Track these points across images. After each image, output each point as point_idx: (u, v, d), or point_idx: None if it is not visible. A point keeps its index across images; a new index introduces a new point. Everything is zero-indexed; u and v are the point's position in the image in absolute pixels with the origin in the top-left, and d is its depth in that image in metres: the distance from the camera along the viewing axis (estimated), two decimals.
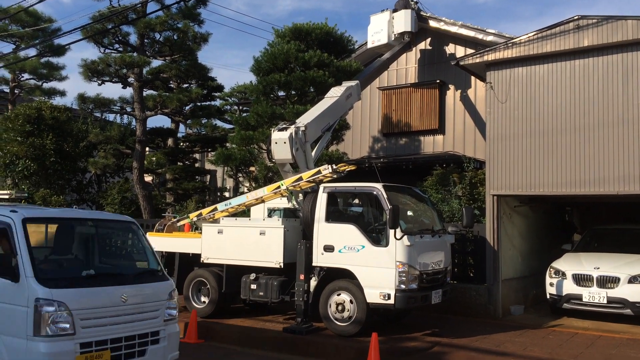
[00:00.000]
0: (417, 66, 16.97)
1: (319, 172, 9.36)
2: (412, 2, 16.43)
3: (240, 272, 9.87)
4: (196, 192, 17.10)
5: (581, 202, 13.68)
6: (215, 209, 10.50)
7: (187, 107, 15.57)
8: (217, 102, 19.97)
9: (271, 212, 10.03)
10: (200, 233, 10.37)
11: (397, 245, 8.40)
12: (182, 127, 19.05)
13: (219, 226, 10.15)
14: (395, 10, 16.17)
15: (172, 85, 17.53)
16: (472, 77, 15.58)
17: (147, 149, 17.82)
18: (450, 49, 16.43)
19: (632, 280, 9.87)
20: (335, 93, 11.56)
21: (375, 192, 8.88)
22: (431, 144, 16.28)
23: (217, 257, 10.05)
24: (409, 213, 9.74)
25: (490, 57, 10.75)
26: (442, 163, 14.19)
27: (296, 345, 8.76)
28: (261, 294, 9.53)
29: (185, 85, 16.82)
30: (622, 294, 9.83)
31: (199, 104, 16.69)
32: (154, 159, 18.65)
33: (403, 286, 8.38)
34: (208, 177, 19.69)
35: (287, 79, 12.84)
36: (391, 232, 8.37)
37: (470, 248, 11.27)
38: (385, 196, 8.70)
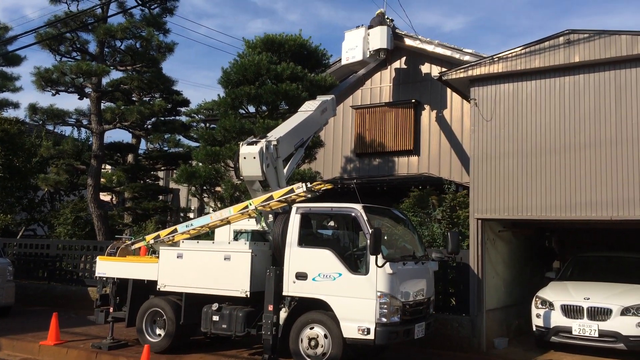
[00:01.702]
0: (392, 85, 16.48)
1: (291, 190, 8.46)
2: (388, 20, 15.98)
3: (201, 301, 8.82)
4: (157, 213, 15.94)
5: (562, 228, 13.09)
6: (175, 230, 9.46)
7: (149, 121, 14.49)
8: (183, 118, 18.98)
9: (237, 235, 9.05)
10: (158, 257, 9.30)
11: (378, 273, 7.53)
12: (144, 144, 17.93)
13: (179, 250, 9.11)
14: (370, 27, 15.72)
15: (134, 98, 16.45)
16: (448, 97, 15.20)
17: (104, 165, 16.64)
18: (425, 68, 16.01)
19: (625, 312, 9.20)
20: (309, 107, 10.76)
21: (354, 214, 8.03)
22: (406, 165, 15.71)
23: (175, 284, 8.98)
24: (390, 237, 8.90)
25: (475, 72, 10.12)
26: (418, 185, 13.58)
27: None
28: (224, 326, 8.49)
29: (148, 98, 15.77)
30: (615, 327, 9.13)
31: (162, 118, 15.65)
32: (114, 176, 17.44)
33: (384, 319, 7.48)
34: (170, 196, 18.54)
35: (257, 91, 11.99)
36: (372, 258, 7.51)
37: (452, 275, 10.47)
38: (365, 218, 7.85)
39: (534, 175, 9.67)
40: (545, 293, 10.20)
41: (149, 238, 9.68)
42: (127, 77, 14.43)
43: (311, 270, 8.00)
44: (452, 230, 9.45)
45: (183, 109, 18.28)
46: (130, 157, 17.05)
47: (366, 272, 7.65)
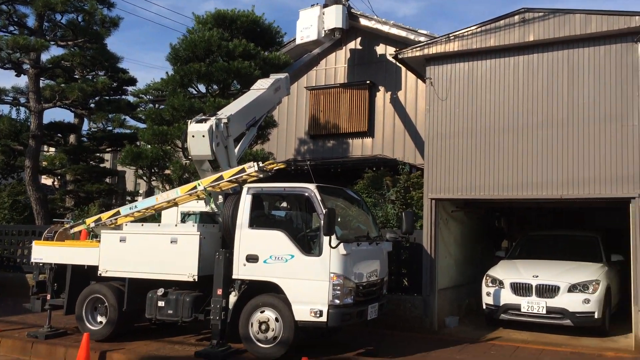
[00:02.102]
0: (346, 66, 16.22)
1: (242, 170, 8.11)
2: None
3: (145, 286, 8.40)
4: (101, 196, 15.23)
5: (511, 208, 13.23)
6: (118, 213, 8.97)
7: (92, 100, 13.71)
8: (131, 98, 18.16)
9: (185, 217, 8.65)
10: (99, 241, 8.80)
11: (332, 255, 7.31)
12: (87, 124, 17.04)
13: (122, 233, 8.64)
14: (325, 6, 15.34)
15: (76, 76, 15.59)
16: (403, 79, 15.10)
17: (45, 146, 15.77)
18: (381, 49, 15.81)
19: (572, 289, 9.33)
20: (262, 85, 10.39)
21: (307, 194, 7.76)
22: (360, 147, 15.55)
23: (118, 269, 8.52)
24: (344, 218, 8.69)
25: (431, 50, 9.97)
26: (372, 166, 13.45)
27: None
28: (170, 312, 8.11)
29: (91, 76, 14.94)
30: (562, 304, 9.26)
31: (107, 97, 14.88)
32: (56, 159, 16.54)
33: (337, 301, 7.29)
34: (116, 179, 17.79)
35: (208, 69, 11.49)
36: (325, 239, 7.28)
37: (406, 256, 10.39)
38: (319, 198, 7.59)
39: (487, 155, 9.64)
40: (495, 272, 10.26)
41: (90, 221, 9.15)
42: (69, 53, 13.57)
43: (262, 253, 7.71)
44: (407, 210, 9.33)
45: (130, 89, 17.52)
46: (72, 138, 16.20)
47: (319, 254, 7.42)
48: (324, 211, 7.26)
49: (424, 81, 10.54)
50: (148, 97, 21.07)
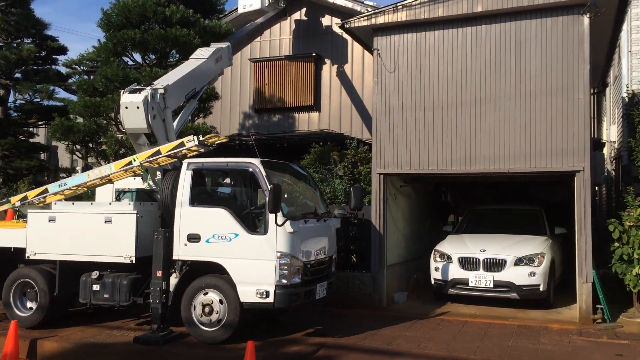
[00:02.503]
0: (291, 38, 15.72)
1: (181, 144, 7.61)
2: None
3: (79, 269, 7.85)
4: (32, 173, 14.25)
5: (458, 182, 13.27)
6: (46, 190, 8.30)
7: (18, 70, 12.64)
8: (63, 70, 16.99)
9: (120, 195, 8.11)
10: (26, 222, 8.13)
11: (278, 233, 6.99)
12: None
13: (51, 212, 8.00)
14: None
15: (1, 44, 14.38)
16: (349, 52, 14.77)
17: None
18: (326, 20, 15.39)
19: (518, 262, 9.41)
20: (202, 54, 9.79)
21: (251, 169, 7.36)
22: (306, 122, 15.19)
23: (47, 251, 7.91)
24: (291, 194, 8.36)
25: (379, 20, 9.65)
26: (319, 141, 13.17)
27: (151, 358, 7.02)
28: (106, 296, 7.61)
29: (17, 44, 13.80)
30: (509, 277, 9.33)
31: (34, 67, 13.80)
32: None
33: (284, 281, 6.99)
34: (48, 154, 16.73)
35: (143, 36, 10.77)
36: (271, 217, 6.92)
37: (354, 232, 10.20)
38: (264, 174, 7.21)
39: (436, 129, 9.50)
40: (443, 246, 10.23)
41: (15, 200, 8.45)
42: None
43: (205, 232, 7.30)
44: (355, 186, 9.10)
45: (61, 58, 16.37)
46: None
47: (265, 232, 7.07)
48: (269, 187, 6.89)
49: (371, 53, 10.22)
50: (82, 68, 19.85)
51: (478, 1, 9.08)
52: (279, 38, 15.88)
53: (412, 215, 11.69)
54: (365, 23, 9.73)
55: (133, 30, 10.79)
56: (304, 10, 15.54)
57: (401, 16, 9.49)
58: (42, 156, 16.96)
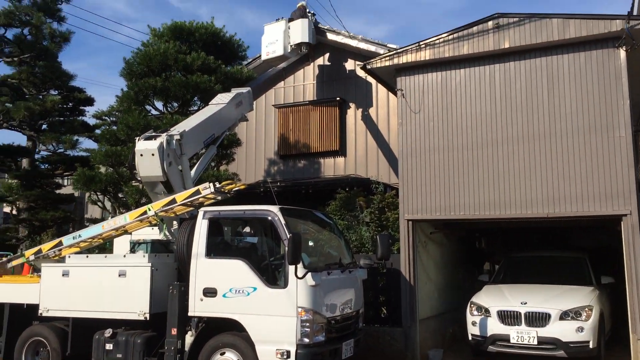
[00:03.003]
0: (315, 83, 15.65)
1: (197, 192, 7.27)
2: (310, 14, 15.10)
3: (92, 327, 7.45)
4: (57, 224, 14.14)
5: (493, 228, 12.59)
6: (60, 243, 8.02)
7: (43, 121, 12.69)
8: (93, 121, 17.11)
9: (135, 246, 7.74)
10: (40, 276, 7.83)
11: (299, 286, 6.49)
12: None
13: (64, 266, 7.69)
14: (291, 20, 14.75)
15: (28, 96, 14.54)
16: (374, 95, 14.56)
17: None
18: (350, 65, 15.29)
19: (564, 316, 8.60)
20: (222, 99, 9.61)
21: (270, 217, 6.94)
22: (332, 167, 14.88)
23: (60, 308, 7.56)
24: (313, 243, 7.89)
25: (401, 60, 9.33)
26: (345, 186, 12.75)
27: None
28: (119, 356, 7.16)
29: (43, 95, 13.92)
30: (554, 333, 8.49)
31: (61, 118, 13.87)
32: (13, 185, 15.33)
33: (307, 339, 6.44)
34: (74, 205, 16.68)
35: (164, 84, 10.67)
36: (291, 269, 6.45)
37: (382, 283, 9.60)
38: (282, 222, 6.78)
39: (466, 172, 8.98)
40: (480, 298, 9.50)
41: (29, 253, 8.18)
42: (17, 70, 12.58)
43: (221, 285, 6.85)
44: (382, 233, 8.58)
45: (90, 110, 16.53)
46: (25, 162, 15.11)
47: (285, 285, 6.58)
48: (288, 236, 6.45)
49: (394, 94, 9.88)
50: (111, 119, 20.05)
51: (505, 37, 8.70)
52: (303, 83, 15.82)
53: (445, 264, 11.03)
54: (387, 63, 9.43)
55: (154, 78, 10.71)
56: (327, 55, 15.51)
57: (424, 55, 9.15)
58: (69, 207, 16.90)
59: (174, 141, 7.72)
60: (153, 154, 7.45)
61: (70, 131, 12.86)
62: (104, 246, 9.12)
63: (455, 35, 8.99)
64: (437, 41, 9.10)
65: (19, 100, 12.63)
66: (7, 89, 12.87)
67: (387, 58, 9.47)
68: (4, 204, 17.11)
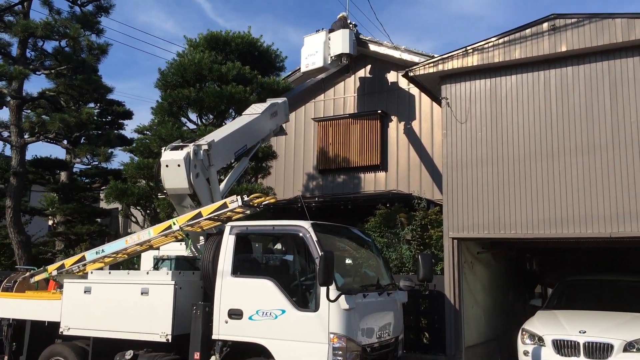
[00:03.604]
0: (356, 95, 15.18)
1: (224, 206, 6.79)
2: (351, 25, 14.67)
3: (113, 348, 7.01)
4: (91, 238, 13.99)
5: (547, 248, 11.66)
6: (83, 258, 7.67)
7: (79, 133, 12.59)
8: (134, 135, 17.08)
9: (158, 263, 7.30)
10: (62, 292, 7.49)
11: (331, 310, 5.88)
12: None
13: (86, 282, 7.31)
14: (331, 31, 14.34)
15: (65, 108, 14.54)
16: (417, 107, 13.97)
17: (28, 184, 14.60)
18: (392, 77, 14.76)
19: (629, 347, 7.67)
20: (255, 110, 9.18)
21: (301, 234, 6.38)
22: (372, 182, 14.31)
23: (81, 326, 7.17)
24: (348, 262, 7.28)
25: (447, 66, 8.70)
26: (386, 202, 12.13)
27: None
28: None
29: (79, 107, 13.87)
30: None
31: (98, 131, 13.80)
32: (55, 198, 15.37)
33: None
34: (109, 219, 16.58)
35: (198, 95, 10.34)
36: (322, 290, 5.86)
37: (425, 306, 8.89)
38: (314, 239, 6.21)
39: (517, 186, 8.23)
40: (533, 325, 8.63)
41: (52, 268, 7.86)
42: (57, 82, 12.55)
43: (248, 307, 6.31)
44: (424, 252, 7.90)
45: (132, 125, 16.46)
46: (63, 175, 15.11)
47: (316, 309, 5.99)
48: (320, 254, 5.86)
49: (438, 103, 9.25)
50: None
51: (562, 40, 7.96)
52: (343, 96, 15.40)
53: (493, 286, 10.20)
54: (431, 70, 8.81)
55: (188, 88, 10.40)
56: (368, 67, 15.07)
57: (472, 60, 8.49)
58: (106, 220, 16.81)
59: (202, 151, 7.28)
60: (179, 165, 7.03)
61: (106, 144, 12.75)
62: (132, 261, 8.76)
63: (506, 38, 8.31)
64: (486, 45, 8.44)
65: (56, 113, 12.58)
66: (46, 101, 12.88)
67: (432, 64, 8.86)
68: (48, 217, 17.16)
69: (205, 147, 7.32)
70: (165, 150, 7.30)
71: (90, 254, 7.64)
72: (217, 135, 7.92)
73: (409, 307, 8.42)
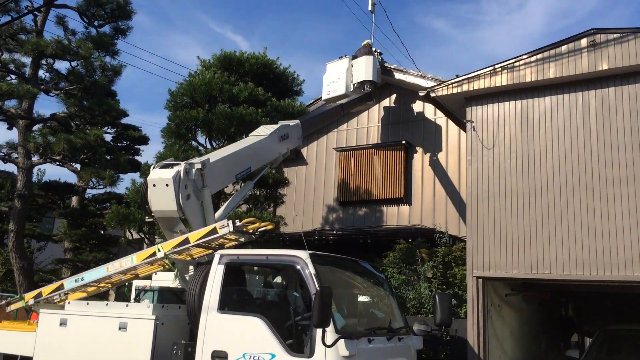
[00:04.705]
0: (380, 125, 14.54)
1: (213, 231, 6.03)
2: (376, 52, 14.10)
3: None
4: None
5: (583, 291, 10.52)
6: (62, 286, 6.96)
7: (85, 155, 12.10)
8: (153, 161, 16.67)
9: (140, 294, 6.53)
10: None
11: (328, 356, 4.98)
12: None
13: (62, 314, 6.57)
14: (354, 57, 13.77)
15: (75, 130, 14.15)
16: (444, 138, 13.23)
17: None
18: (417, 106, 14.09)
19: None
20: (263, 131, 8.49)
21: (298, 265, 5.54)
22: (395, 216, 13.49)
23: None
24: (353, 301, 6.39)
25: (472, 86, 7.91)
26: (408, 237, 11.28)
27: None
28: None
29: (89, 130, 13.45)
30: None
31: (110, 156, 13.32)
32: (61, 223, 14.95)
33: None
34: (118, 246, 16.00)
35: (207, 116, 9.74)
36: (318, 332, 4.98)
37: (444, 354, 7.86)
38: (312, 272, 5.36)
39: (552, 220, 7.27)
40: None
41: (29, 297, 7.16)
42: (67, 103, 12.19)
43: (234, 349, 5.46)
44: (442, 292, 6.96)
45: (155, 152, 16.06)
46: (74, 200, 14.65)
47: (310, 354, 5.10)
48: (316, 289, 5.02)
49: (462, 127, 8.43)
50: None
51: (603, 57, 7.11)
52: (367, 126, 14.78)
53: (524, 334, 9.13)
54: (455, 90, 8.01)
55: (197, 109, 9.83)
56: (393, 96, 14.49)
57: (501, 80, 7.68)
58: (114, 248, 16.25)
59: (194, 170, 6.57)
60: (167, 185, 6.32)
61: (115, 168, 12.27)
62: (122, 291, 8.04)
63: (539, 56, 7.49)
64: (517, 64, 7.62)
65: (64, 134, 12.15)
66: (57, 123, 12.53)
67: (456, 84, 8.07)
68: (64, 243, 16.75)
69: (199, 166, 6.61)
70: (154, 168, 6.61)
71: (69, 282, 6.93)
72: (215, 155, 7.22)
73: (427, 355, 7.43)
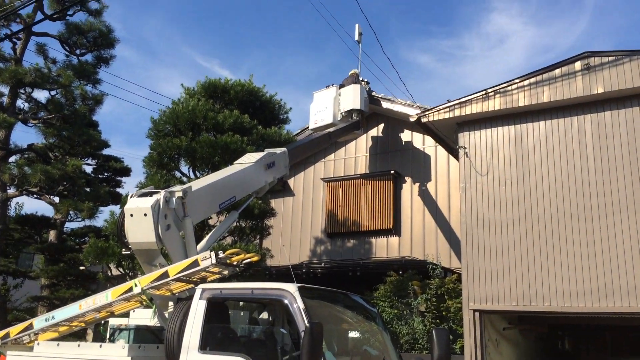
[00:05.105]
0: (368, 155, 14.38)
1: (194, 263, 5.60)
2: (363, 82, 14.02)
3: None
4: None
5: (585, 324, 10.18)
6: (31, 326, 6.44)
7: (63, 187, 11.62)
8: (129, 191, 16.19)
9: (115, 333, 6.06)
10: None
11: None
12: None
13: (30, 356, 6.06)
14: (342, 86, 13.67)
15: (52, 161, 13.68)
16: (433, 168, 13.06)
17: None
18: (406, 136, 13.94)
19: None
20: (249, 159, 8.16)
21: (286, 300, 5.14)
22: (384, 247, 13.22)
23: None
24: (344, 337, 5.98)
25: (464, 111, 7.70)
26: (398, 269, 10.96)
27: None
28: None
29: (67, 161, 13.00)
30: None
31: (90, 188, 12.86)
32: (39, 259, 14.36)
33: None
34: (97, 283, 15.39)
35: (190, 144, 9.41)
36: None
37: None
38: (301, 307, 4.95)
39: (550, 250, 6.98)
40: None
41: None
42: (45, 133, 11.77)
43: None
44: (439, 327, 6.57)
45: (137, 182, 15.61)
46: (52, 234, 14.09)
47: None
48: (306, 326, 4.61)
49: (453, 155, 8.18)
50: None
51: (598, 81, 6.94)
52: (354, 156, 14.61)
53: None
54: (447, 115, 7.80)
55: (179, 137, 9.49)
56: (381, 126, 14.39)
57: (493, 105, 7.48)
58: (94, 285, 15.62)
59: (175, 199, 6.19)
60: (145, 214, 5.91)
61: (95, 200, 11.80)
62: (99, 329, 7.52)
63: (532, 79, 7.32)
64: (509, 88, 7.44)
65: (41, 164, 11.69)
66: (34, 154, 12.09)
67: (447, 109, 7.85)
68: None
69: (180, 194, 6.22)
70: (131, 197, 6.22)
71: (38, 322, 6.42)
72: (198, 183, 6.86)
73: None
